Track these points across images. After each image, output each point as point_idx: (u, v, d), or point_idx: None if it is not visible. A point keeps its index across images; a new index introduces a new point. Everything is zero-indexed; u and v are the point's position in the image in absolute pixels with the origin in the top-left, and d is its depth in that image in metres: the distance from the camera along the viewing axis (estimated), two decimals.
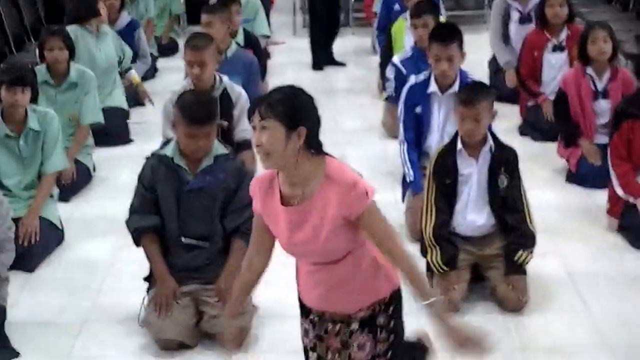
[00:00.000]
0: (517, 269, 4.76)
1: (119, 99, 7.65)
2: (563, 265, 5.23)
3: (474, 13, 11.65)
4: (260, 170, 3.23)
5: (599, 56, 6.19)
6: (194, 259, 4.51)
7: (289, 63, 10.01)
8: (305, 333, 3.42)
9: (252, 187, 3.24)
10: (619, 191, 5.53)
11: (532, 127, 7.31)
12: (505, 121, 7.20)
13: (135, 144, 7.48)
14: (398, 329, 3.36)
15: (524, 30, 7.69)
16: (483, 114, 4.66)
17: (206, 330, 4.50)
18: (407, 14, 7.04)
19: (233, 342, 3.70)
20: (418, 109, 5.62)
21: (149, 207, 4.51)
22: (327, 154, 3.12)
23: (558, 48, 7.19)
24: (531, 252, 4.79)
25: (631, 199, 5.48)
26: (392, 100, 6.72)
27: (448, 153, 4.83)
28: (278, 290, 4.41)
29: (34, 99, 5.63)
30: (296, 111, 3.03)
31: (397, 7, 8.30)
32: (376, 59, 8.52)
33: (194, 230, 4.49)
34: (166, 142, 4.58)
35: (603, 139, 6.17)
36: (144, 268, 4.63)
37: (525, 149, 6.71)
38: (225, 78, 5.73)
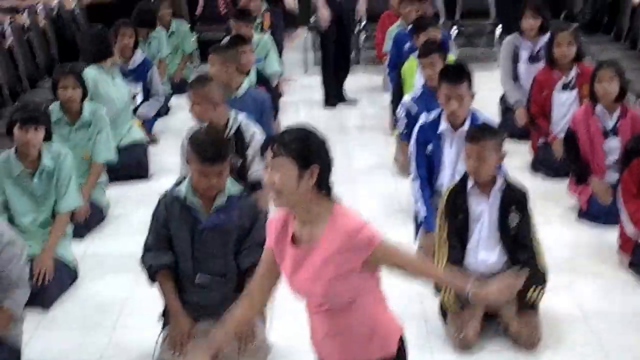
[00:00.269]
0: (529, 306, 4.77)
1: (138, 134, 7.76)
2: (575, 302, 5.23)
3: (485, 51, 11.70)
4: (273, 210, 3.25)
5: (605, 95, 6.21)
6: (208, 297, 4.51)
7: (300, 101, 10.05)
8: None
9: (269, 224, 3.27)
10: (629, 229, 5.53)
11: (543, 164, 7.30)
12: (517, 158, 7.24)
13: (150, 181, 7.51)
14: None
15: (533, 69, 7.70)
16: (488, 153, 4.70)
17: None
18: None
19: None
20: (429, 148, 5.66)
21: (164, 245, 4.53)
22: (336, 199, 3.12)
23: (568, 86, 7.19)
24: (543, 289, 4.80)
25: None
26: (404, 137, 6.74)
27: (459, 191, 4.87)
28: (293, 328, 4.39)
29: (47, 138, 5.64)
30: (309, 150, 3.04)
31: (407, 45, 8.34)
32: (387, 97, 8.52)
33: (208, 269, 4.50)
34: (181, 180, 4.60)
35: (613, 176, 6.18)
36: (159, 305, 4.64)
37: (537, 186, 6.74)
38: (241, 116, 5.66)
